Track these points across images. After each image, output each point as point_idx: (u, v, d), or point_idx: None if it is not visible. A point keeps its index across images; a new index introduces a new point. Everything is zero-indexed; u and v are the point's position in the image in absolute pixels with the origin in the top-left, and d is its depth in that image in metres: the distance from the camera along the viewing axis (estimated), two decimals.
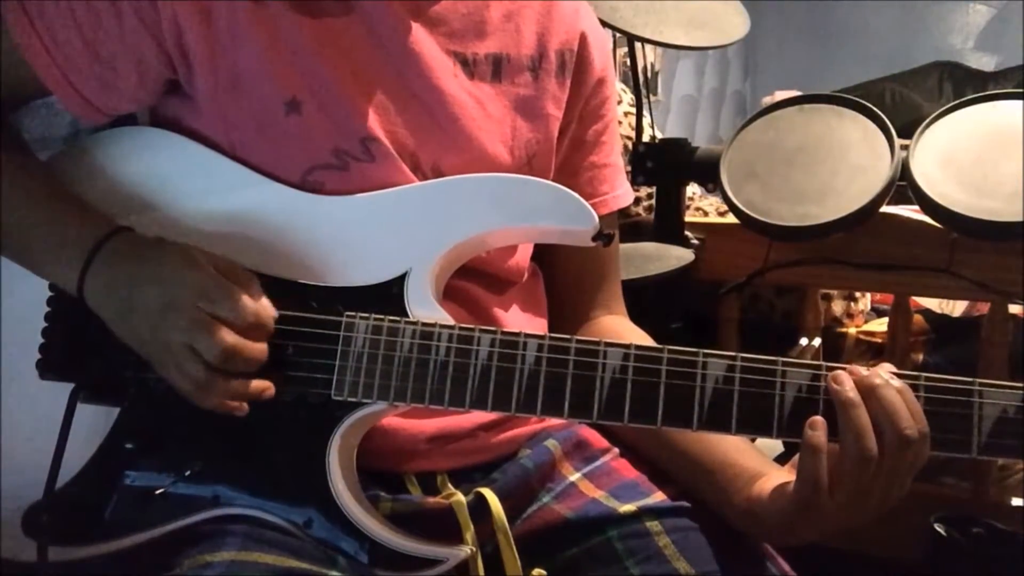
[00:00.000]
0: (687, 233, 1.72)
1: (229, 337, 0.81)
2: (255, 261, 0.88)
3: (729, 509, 0.91)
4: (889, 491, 0.79)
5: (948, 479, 1.66)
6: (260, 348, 0.83)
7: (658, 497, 0.95)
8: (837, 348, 1.92)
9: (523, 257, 1.03)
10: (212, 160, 0.91)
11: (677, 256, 1.60)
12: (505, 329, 0.85)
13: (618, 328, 1.08)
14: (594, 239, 0.88)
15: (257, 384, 0.83)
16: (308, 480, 0.85)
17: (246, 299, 0.82)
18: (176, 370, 0.82)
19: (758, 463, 0.91)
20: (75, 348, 0.91)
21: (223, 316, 0.81)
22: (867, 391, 0.79)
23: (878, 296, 2.05)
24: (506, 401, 0.83)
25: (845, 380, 0.80)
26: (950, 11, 4.93)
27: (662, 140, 1.83)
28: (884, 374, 0.80)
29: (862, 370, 0.80)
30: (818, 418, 0.79)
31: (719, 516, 0.92)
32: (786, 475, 0.86)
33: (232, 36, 0.87)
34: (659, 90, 4.41)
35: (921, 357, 1.87)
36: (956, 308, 2.10)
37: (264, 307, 0.84)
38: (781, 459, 0.93)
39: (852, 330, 1.96)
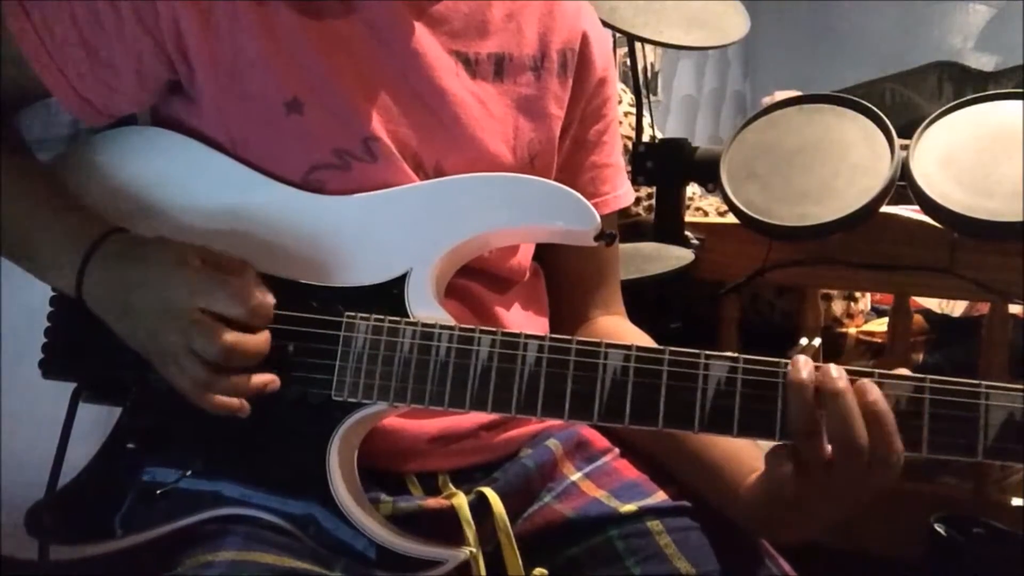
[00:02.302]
0: (687, 233, 1.72)
1: (228, 335, 0.80)
2: (256, 260, 0.87)
3: (726, 505, 0.91)
4: (856, 489, 0.79)
5: (948, 479, 1.66)
6: (261, 339, 0.83)
7: (659, 497, 0.95)
8: (837, 348, 1.92)
9: (525, 256, 1.03)
10: (213, 160, 0.91)
11: (677, 256, 1.60)
12: (506, 329, 0.85)
13: (617, 328, 1.09)
14: (596, 239, 0.88)
15: (260, 378, 0.83)
16: (309, 480, 0.85)
17: (241, 290, 0.82)
18: (177, 371, 0.82)
19: (755, 459, 0.90)
20: (77, 348, 0.91)
21: (220, 311, 0.81)
22: (828, 394, 0.77)
23: (878, 296, 2.06)
24: (506, 402, 0.83)
25: (800, 364, 0.78)
26: (950, 11, 4.93)
27: (662, 140, 1.84)
28: (846, 380, 0.77)
29: (833, 371, 0.78)
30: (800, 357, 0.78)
31: (720, 515, 0.92)
32: None
33: (232, 36, 0.87)
34: (659, 90, 4.41)
35: (921, 357, 1.88)
36: (956, 308, 2.10)
37: (260, 294, 0.83)
38: None
39: (852, 330, 1.96)
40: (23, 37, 0.88)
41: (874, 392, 0.77)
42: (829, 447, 0.77)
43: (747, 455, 0.91)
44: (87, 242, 0.86)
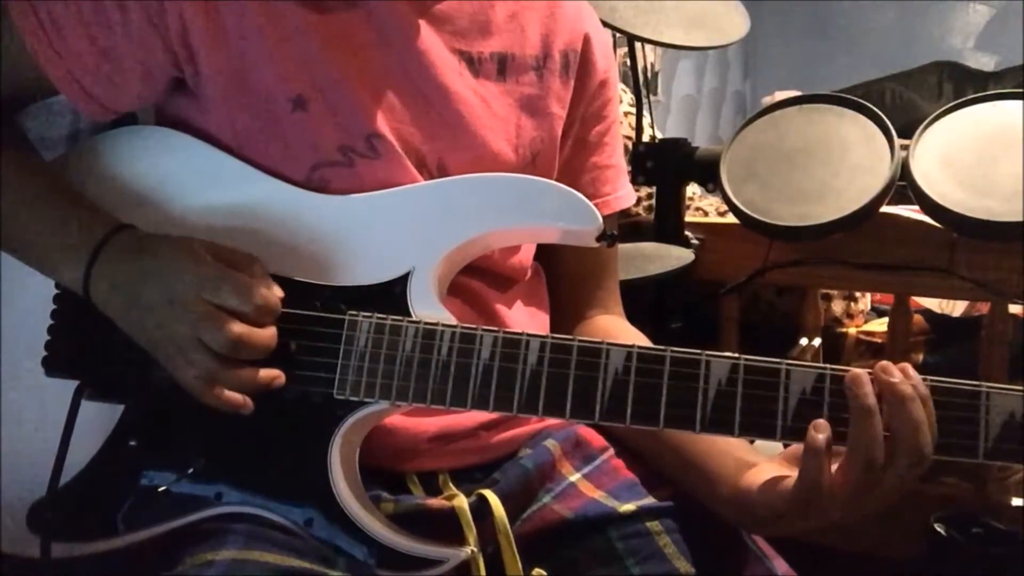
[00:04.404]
0: (687, 233, 1.72)
1: (236, 327, 0.81)
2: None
3: (715, 498, 0.90)
4: (890, 495, 0.78)
5: (948, 479, 1.66)
6: (268, 333, 0.83)
7: (658, 497, 0.95)
8: (837, 348, 1.92)
9: (526, 256, 1.03)
10: (217, 158, 0.92)
11: (677, 256, 1.61)
12: (508, 327, 0.85)
13: (614, 328, 1.09)
14: (597, 240, 0.88)
15: (266, 373, 0.83)
16: (310, 479, 0.85)
17: (250, 285, 0.82)
18: (184, 365, 0.82)
19: (746, 453, 0.90)
20: (80, 345, 0.91)
21: (228, 305, 0.81)
22: (897, 400, 0.77)
23: (878, 296, 2.06)
24: (508, 401, 0.83)
25: (866, 384, 0.77)
26: (950, 11, 4.93)
27: (662, 140, 1.84)
28: (913, 383, 0.77)
29: (895, 373, 0.78)
30: (822, 421, 0.78)
31: (717, 514, 0.91)
32: (776, 467, 0.86)
33: (238, 34, 0.88)
34: (659, 90, 4.41)
35: (921, 357, 1.88)
36: (956, 308, 2.10)
37: (268, 290, 0.84)
38: None
39: (852, 330, 1.96)
40: (29, 33, 0.88)
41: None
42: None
43: (737, 450, 0.91)
44: (97, 238, 0.86)
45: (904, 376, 0.78)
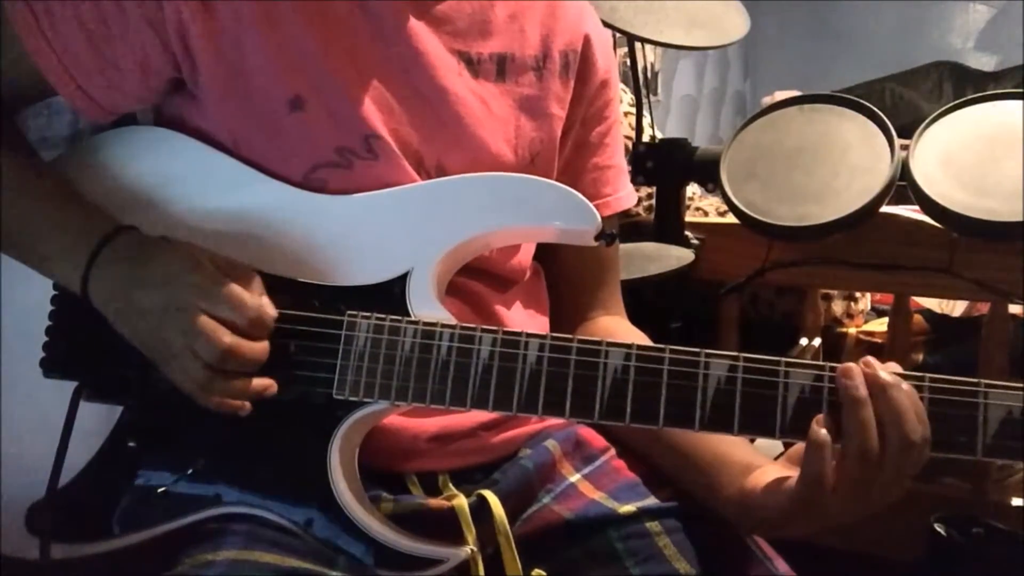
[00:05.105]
0: (687, 233, 1.72)
1: (227, 338, 0.81)
2: (258, 260, 0.88)
3: (719, 501, 0.91)
4: (889, 490, 0.79)
5: (948, 479, 1.66)
6: (260, 347, 0.83)
7: (658, 498, 0.95)
8: (837, 348, 1.92)
9: (526, 256, 1.03)
10: (215, 159, 0.92)
11: (677, 256, 1.61)
12: (507, 327, 0.85)
13: (615, 328, 1.09)
14: (596, 239, 0.88)
15: (258, 382, 0.83)
16: (309, 479, 0.85)
17: (246, 298, 0.82)
18: (178, 370, 0.82)
19: (749, 455, 0.91)
20: (79, 346, 0.91)
21: (223, 316, 0.81)
22: (878, 389, 0.78)
23: (878, 296, 2.06)
24: (507, 401, 0.83)
25: (856, 375, 0.79)
26: (950, 11, 4.93)
27: (662, 140, 1.84)
28: (893, 371, 0.79)
29: (876, 364, 0.79)
30: (823, 416, 0.79)
31: (718, 516, 0.92)
32: (779, 469, 0.86)
33: (236, 35, 0.88)
34: (659, 90, 4.41)
35: (921, 357, 1.88)
36: (956, 308, 2.10)
37: (264, 305, 0.84)
38: None
39: (852, 330, 1.96)
40: (28, 36, 0.88)
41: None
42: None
43: (740, 453, 0.91)
44: (96, 239, 0.86)
45: (885, 368, 0.79)
